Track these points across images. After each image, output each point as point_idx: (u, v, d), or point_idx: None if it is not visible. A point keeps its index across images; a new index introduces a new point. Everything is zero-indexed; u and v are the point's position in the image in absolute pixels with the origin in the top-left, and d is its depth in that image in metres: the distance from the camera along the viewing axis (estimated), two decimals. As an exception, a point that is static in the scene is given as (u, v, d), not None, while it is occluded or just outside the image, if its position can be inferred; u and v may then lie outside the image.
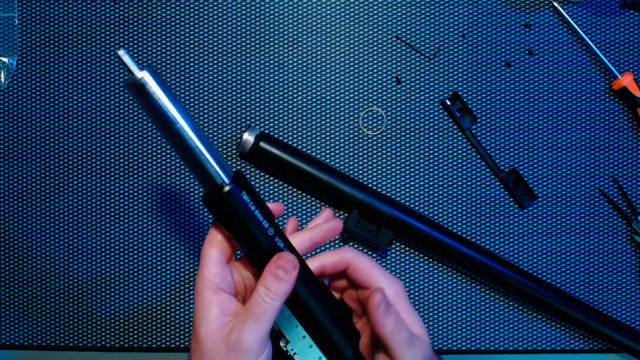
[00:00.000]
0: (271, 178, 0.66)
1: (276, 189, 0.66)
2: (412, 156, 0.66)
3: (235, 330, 0.42)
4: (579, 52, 0.66)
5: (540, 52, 0.66)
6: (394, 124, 0.66)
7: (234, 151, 0.66)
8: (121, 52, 0.37)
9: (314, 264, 0.46)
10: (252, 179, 0.66)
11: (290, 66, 0.66)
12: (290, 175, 0.64)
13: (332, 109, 0.66)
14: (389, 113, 0.66)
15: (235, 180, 0.40)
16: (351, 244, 0.66)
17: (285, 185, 0.66)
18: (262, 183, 0.66)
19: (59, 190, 0.66)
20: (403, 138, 0.66)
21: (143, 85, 0.37)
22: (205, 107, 0.66)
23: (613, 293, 0.66)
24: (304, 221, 0.66)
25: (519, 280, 0.63)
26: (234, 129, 0.66)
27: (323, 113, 0.66)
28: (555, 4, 0.65)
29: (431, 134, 0.66)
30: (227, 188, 0.40)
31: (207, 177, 0.40)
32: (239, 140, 0.64)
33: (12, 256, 0.66)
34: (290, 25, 0.66)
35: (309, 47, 0.66)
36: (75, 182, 0.66)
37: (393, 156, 0.66)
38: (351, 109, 0.66)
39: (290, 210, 0.66)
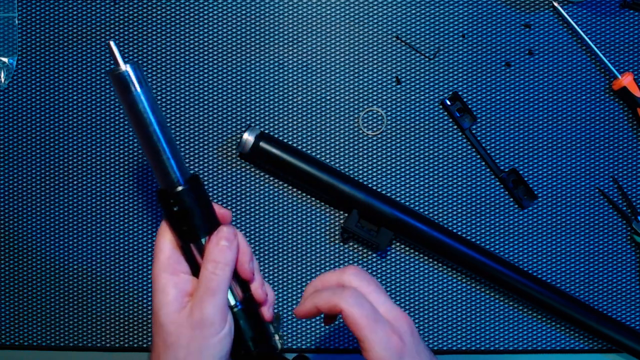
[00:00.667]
0: (271, 178, 0.66)
1: (276, 189, 0.66)
2: (412, 156, 0.66)
3: (196, 309, 0.43)
4: (579, 52, 0.66)
5: (540, 52, 0.66)
6: (394, 124, 0.66)
7: (233, 151, 0.66)
8: (112, 43, 0.39)
9: (307, 304, 0.46)
10: (252, 179, 0.66)
11: (290, 66, 0.66)
12: (290, 175, 0.64)
13: (332, 109, 0.66)
14: (389, 113, 0.66)
15: (189, 182, 0.43)
16: (351, 244, 0.66)
17: (285, 185, 0.66)
18: (262, 183, 0.66)
19: (59, 190, 0.66)
20: (403, 138, 0.66)
21: (124, 77, 0.39)
22: (205, 107, 0.66)
23: (613, 293, 0.66)
24: (304, 223, 0.66)
25: (519, 280, 0.63)
26: (233, 129, 0.66)
27: (323, 113, 0.66)
28: (555, 4, 0.65)
29: (431, 134, 0.66)
30: (179, 188, 0.43)
31: (165, 175, 0.42)
32: (239, 140, 0.64)
33: (12, 256, 0.66)
34: (290, 25, 0.66)
35: (309, 47, 0.66)
36: (75, 182, 0.66)
37: (393, 156, 0.66)
38: (351, 109, 0.66)
39: (290, 210, 0.66)
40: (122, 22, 0.66)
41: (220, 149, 0.66)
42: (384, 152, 0.66)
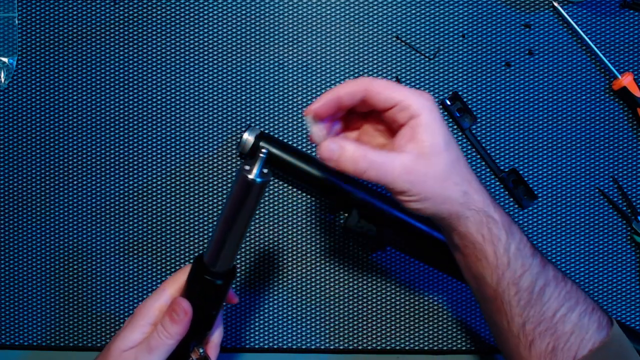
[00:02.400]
0: (271, 178, 0.66)
1: (276, 189, 0.66)
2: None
3: (129, 358, 0.48)
4: (579, 52, 0.66)
5: (540, 52, 0.66)
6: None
7: (233, 151, 0.66)
8: (263, 152, 0.43)
9: (328, 96, 0.46)
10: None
11: (290, 66, 0.66)
12: (290, 175, 0.64)
13: None
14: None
15: (227, 276, 0.48)
16: (351, 243, 0.66)
17: (285, 185, 0.66)
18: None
19: (59, 190, 0.66)
20: (403, 138, 0.66)
21: (251, 185, 0.43)
22: (205, 107, 0.66)
23: (613, 293, 0.66)
24: (304, 223, 0.66)
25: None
26: (233, 129, 0.66)
27: None
28: (555, 4, 0.65)
29: (431, 134, 0.66)
30: (218, 282, 0.48)
31: (217, 258, 0.47)
32: (238, 140, 0.64)
33: (12, 256, 0.66)
34: (290, 25, 0.66)
35: (309, 47, 0.66)
36: (75, 182, 0.66)
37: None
38: (351, 109, 0.66)
39: (290, 210, 0.66)
40: (122, 22, 0.66)
41: (220, 149, 0.66)
42: None
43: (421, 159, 0.44)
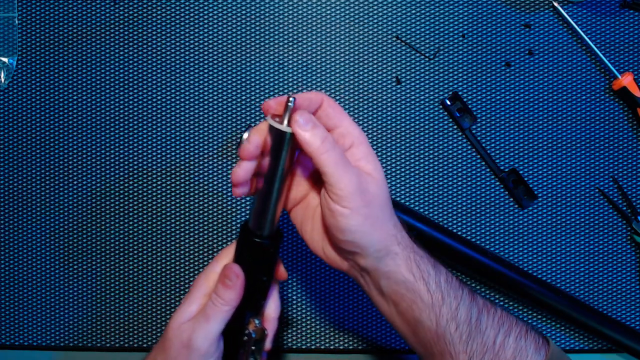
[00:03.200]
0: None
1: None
2: (412, 156, 0.66)
3: (189, 330, 0.47)
4: (579, 52, 0.66)
5: (540, 52, 0.66)
6: (394, 124, 0.66)
7: (233, 151, 0.66)
8: (291, 99, 0.43)
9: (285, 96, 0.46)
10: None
11: (290, 66, 0.66)
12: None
13: None
14: (389, 113, 0.66)
15: (274, 237, 0.48)
16: None
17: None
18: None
19: (59, 190, 0.66)
20: (403, 138, 0.66)
21: (282, 137, 0.43)
22: (205, 107, 0.66)
23: (613, 293, 0.66)
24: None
25: (519, 280, 0.63)
26: (233, 129, 0.66)
27: None
28: (555, 4, 0.65)
29: (431, 133, 0.66)
30: (259, 240, 0.47)
31: (261, 221, 0.47)
32: (238, 140, 0.64)
33: (12, 256, 0.66)
34: (290, 25, 0.66)
35: (309, 47, 0.66)
36: (75, 182, 0.66)
37: (393, 156, 0.66)
38: (351, 109, 0.66)
39: None
40: (122, 22, 0.66)
41: (220, 149, 0.66)
42: (384, 152, 0.66)
43: (372, 183, 0.44)
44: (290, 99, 0.43)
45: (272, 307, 0.52)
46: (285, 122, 0.43)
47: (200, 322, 0.47)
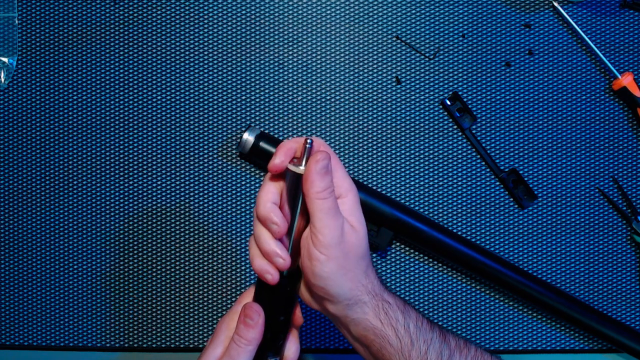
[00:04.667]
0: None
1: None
2: (412, 156, 0.66)
3: None
4: (579, 52, 0.66)
5: (540, 52, 0.66)
6: (394, 124, 0.66)
7: (233, 151, 0.66)
8: (308, 141, 0.45)
9: (287, 145, 0.47)
10: (252, 178, 0.66)
11: (290, 66, 0.66)
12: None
13: (332, 109, 0.66)
14: (388, 113, 0.66)
15: (292, 276, 0.48)
16: None
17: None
18: (261, 182, 0.66)
19: (59, 190, 0.66)
20: (403, 138, 0.66)
21: (300, 179, 0.45)
22: (206, 107, 0.66)
23: (613, 293, 0.67)
24: None
25: (519, 280, 0.63)
26: (234, 129, 0.66)
27: (323, 113, 0.66)
28: (555, 4, 0.65)
29: (431, 133, 0.66)
30: (280, 280, 0.47)
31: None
32: (238, 140, 0.64)
33: (12, 256, 0.66)
34: (290, 25, 0.66)
35: (309, 47, 0.66)
36: (75, 182, 0.66)
37: (393, 156, 0.66)
38: (351, 109, 0.66)
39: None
40: (122, 22, 0.66)
41: (220, 149, 0.66)
42: (384, 152, 0.66)
43: (353, 235, 0.46)
44: (309, 141, 0.44)
45: (292, 350, 0.53)
46: (303, 164, 0.45)
47: None
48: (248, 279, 0.66)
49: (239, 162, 0.66)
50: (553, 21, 0.66)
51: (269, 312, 0.49)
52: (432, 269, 0.66)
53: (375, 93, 0.66)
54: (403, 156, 0.66)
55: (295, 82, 0.66)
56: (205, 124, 0.66)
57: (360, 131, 0.66)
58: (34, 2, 0.66)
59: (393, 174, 0.66)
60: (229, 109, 0.66)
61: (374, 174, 0.66)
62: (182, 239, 0.66)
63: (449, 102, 0.65)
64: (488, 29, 0.66)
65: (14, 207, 0.66)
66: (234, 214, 0.66)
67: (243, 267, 0.66)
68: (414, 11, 0.66)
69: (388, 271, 0.66)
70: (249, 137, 0.62)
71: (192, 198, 0.66)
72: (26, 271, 0.66)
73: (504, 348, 0.66)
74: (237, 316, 0.50)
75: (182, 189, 0.66)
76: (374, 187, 0.66)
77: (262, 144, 0.62)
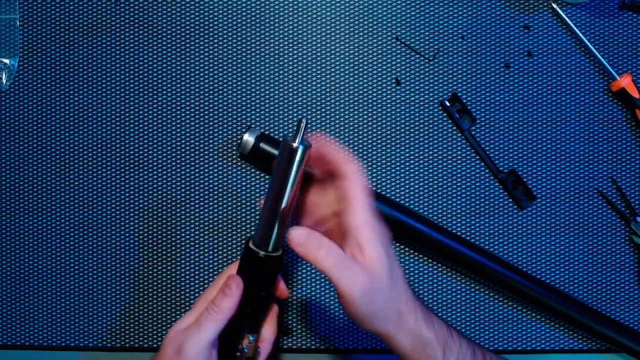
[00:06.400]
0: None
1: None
2: (412, 157, 0.66)
3: (181, 337, 0.48)
4: (578, 53, 0.66)
5: (539, 53, 0.66)
6: (393, 125, 0.66)
7: (234, 152, 0.66)
8: (303, 121, 0.46)
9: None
10: (252, 180, 0.66)
11: (291, 68, 0.66)
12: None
13: (333, 110, 0.66)
14: (388, 114, 0.66)
15: (278, 257, 0.50)
16: None
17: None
18: (262, 184, 0.66)
19: (58, 190, 0.66)
20: (403, 139, 0.66)
21: (292, 153, 0.46)
22: (208, 108, 0.66)
23: (612, 293, 0.67)
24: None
25: (518, 280, 0.64)
26: (235, 131, 0.66)
27: (324, 114, 0.66)
28: (554, 6, 0.66)
29: (431, 134, 0.66)
30: (262, 254, 0.49)
31: (265, 236, 0.49)
32: (239, 142, 0.64)
33: (12, 256, 0.66)
34: (291, 28, 0.66)
35: (310, 50, 0.66)
36: (75, 183, 0.66)
37: (393, 157, 0.66)
38: (351, 110, 0.66)
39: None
40: (123, 25, 0.66)
41: (220, 150, 0.66)
42: (383, 152, 0.66)
43: (376, 283, 0.45)
44: (303, 120, 0.46)
45: (268, 330, 0.53)
46: (297, 138, 0.46)
47: (192, 330, 0.48)
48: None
49: (239, 164, 0.66)
50: (552, 23, 0.66)
51: (250, 286, 0.49)
52: (432, 269, 0.66)
53: (375, 94, 0.66)
54: (403, 157, 0.66)
55: (295, 84, 0.66)
56: (206, 127, 0.66)
57: (360, 132, 0.66)
58: (36, 3, 0.66)
59: (393, 175, 0.66)
60: (230, 111, 0.66)
61: (374, 174, 0.67)
62: (182, 240, 0.66)
63: (448, 104, 0.66)
64: (487, 30, 0.66)
65: (16, 207, 0.66)
66: (234, 215, 0.66)
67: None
68: (413, 13, 0.66)
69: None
70: (249, 138, 0.63)
71: (193, 200, 0.66)
72: (27, 271, 0.66)
73: (504, 348, 0.66)
74: (218, 287, 0.50)
75: (183, 190, 0.66)
76: (374, 188, 0.66)
77: (263, 145, 0.63)
